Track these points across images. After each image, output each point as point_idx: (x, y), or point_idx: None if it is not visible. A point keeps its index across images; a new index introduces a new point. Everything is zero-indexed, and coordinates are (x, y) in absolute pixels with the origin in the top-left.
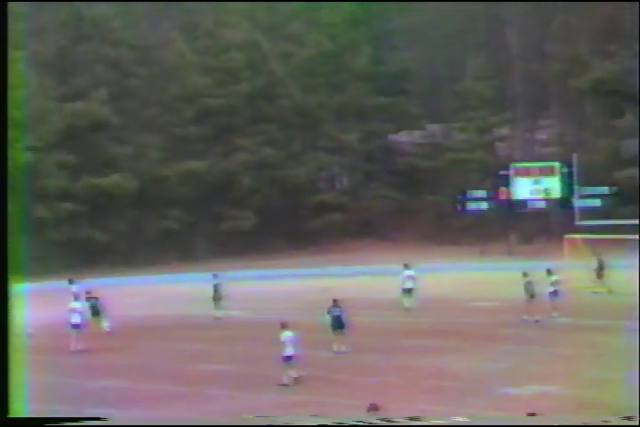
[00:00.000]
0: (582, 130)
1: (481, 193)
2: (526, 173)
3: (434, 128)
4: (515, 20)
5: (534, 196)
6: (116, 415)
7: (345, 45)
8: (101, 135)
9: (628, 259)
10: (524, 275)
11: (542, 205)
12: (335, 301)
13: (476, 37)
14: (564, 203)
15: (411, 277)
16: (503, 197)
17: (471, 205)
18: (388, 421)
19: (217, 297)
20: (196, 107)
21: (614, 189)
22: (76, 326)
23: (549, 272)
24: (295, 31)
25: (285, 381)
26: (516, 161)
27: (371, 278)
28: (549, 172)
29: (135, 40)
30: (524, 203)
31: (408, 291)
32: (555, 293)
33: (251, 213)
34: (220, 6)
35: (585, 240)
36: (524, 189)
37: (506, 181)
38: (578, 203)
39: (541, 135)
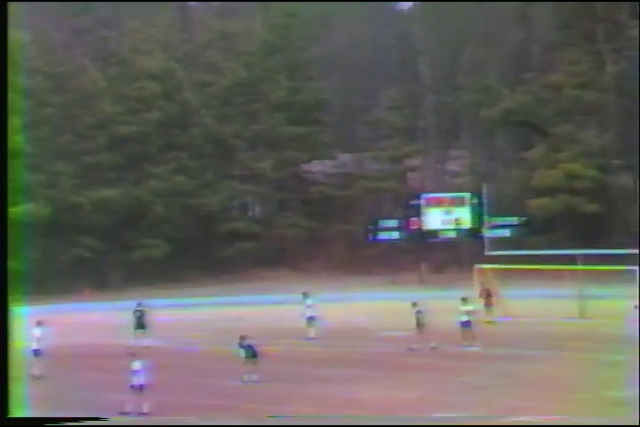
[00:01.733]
0: (493, 160)
1: (392, 223)
2: (437, 203)
3: (346, 157)
4: (426, 50)
5: (445, 226)
6: None
7: (261, 75)
8: (14, 163)
9: (540, 288)
10: (413, 305)
11: (453, 234)
12: (243, 337)
13: (388, 68)
14: (475, 233)
15: (310, 307)
16: (414, 226)
17: (383, 235)
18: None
19: (140, 325)
20: (108, 134)
21: (524, 219)
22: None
23: (465, 301)
24: (211, 60)
25: (139, 409)
26: (428, 191)
27: (282, 307)
28: (460, 202)
29: (50, 68)
30: (435, 233)
31: (310, 320)
32: (467, 322)
33: (162, 242)
34: (135, 34)
35: (494, 270)
36: (435, 218)
37: (417, 211)
38: (488, 233)
39: (452, 166)
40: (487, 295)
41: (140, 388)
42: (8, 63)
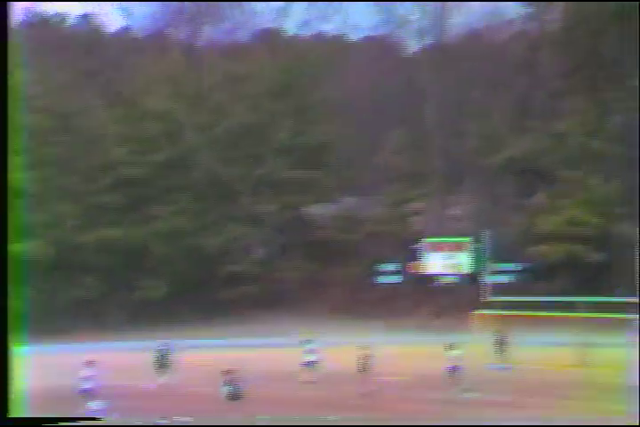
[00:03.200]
0: (495, 206)
1: (393, 266)
2: (438, 247)
3: (349, 201)
4: (432, 95)
5: (446, 270)
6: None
7: (266, 117)
8: (16, 202)
9: (540, 336)
10: (361, 348)
11: (453, 279)
12: (228, 372)
13: (394, 111)
14: (475, 278)
15: (311, 351)
16: (415, 270)
17: (383, 279)
18: None
19: (163, 364)
20: (112, 175)
21: (525, 265)
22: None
23: (450, 347)
24: (217, 101)
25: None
26: (429, 235)
27: (281, 350)
28: (461, 247)
29: (55, 107)
30: (435, 277)
31: (310, 364)
32: (454, 368)
33: (162, 283)
34: (143, 74)
35: (493, 316)
36: (435, 263)
37: (418, 255)
38: (488, 279)
39: (455, 210)
40: (501, 342)
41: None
42: (8, 63)
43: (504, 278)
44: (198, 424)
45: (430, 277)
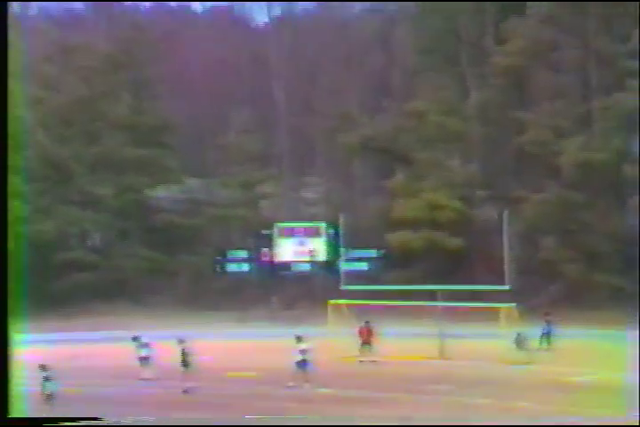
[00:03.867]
0: (350, 189)
1: (242, 254)
2: (291, 233)
3: (194, 183)
4: (281, 74)
5: (299, 258)
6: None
7: (102, 92)
8: None
9: (397, 327)
10: (180, 342)
11: (307, 267)
12: (43, 367)
13: (241, 88)
14: (330, 266)
15: (144, 346)
16: (266, 258)
17: (232, 267)
18: None
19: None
20: None
21: (382, 252)
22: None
23: (299, 339)
24: (49, 74)
25: None
26: (281, 220)
27: (120, 345)
28: (315, 232)
29: None
30: (287, 265)
31: (144, 360)
32: (303, 362)
33: None
34: None
35: (349, 306)
36: (288, 250)
37: (269, 242)
38: (344, 266)
39: (308, 193)
40: (367, 333)
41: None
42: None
43: (361, 266)
44: (201, 425)
45: (282, 265)
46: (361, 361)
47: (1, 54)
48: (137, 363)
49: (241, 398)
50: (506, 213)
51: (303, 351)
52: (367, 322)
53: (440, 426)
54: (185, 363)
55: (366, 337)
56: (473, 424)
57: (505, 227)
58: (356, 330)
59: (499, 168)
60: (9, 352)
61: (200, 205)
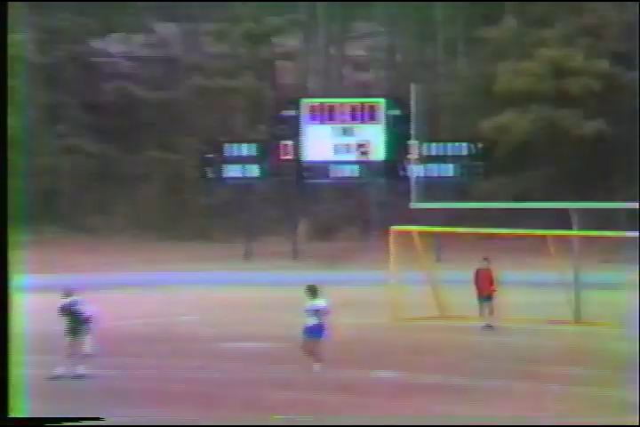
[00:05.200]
0: (428, 44)
1: (248, 149)
2: (328, 115)
3: (166, 30)
4: None
5: (341, 156)
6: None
7: None
8: None
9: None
10: (66, 294)
11: (355, 172)
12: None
13: None
14: (392, 170)
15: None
16: (287, 156)
17: (231, 171)
18: None
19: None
20: None
21: (478, 146)
22: None
23: (312, 292)
24: None
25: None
26: (311, 95)
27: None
28: (368, 115)
29: None
30: (322, 168)
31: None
32: (317, 329)
33: None
34: None
35: (425, 234)
36: (323, 143)
37: (293, 130)
38: (416, 170)
39: (357, 50)
40: (488, 280)
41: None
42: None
43: (444, 170)
44: (201, 424)
45: (314, 168)
46: (486, 326)
47: (1, 54)
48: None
49: (244, 387)
50: None
51: (317, 312)
52: (487, 260)
53: (440, 426)
54: (74, 329)
55: (486, 286)
56: (473, 424)
57: None
58: (472, 274)
59: None
60: (8, 350)
61: (178, 68)
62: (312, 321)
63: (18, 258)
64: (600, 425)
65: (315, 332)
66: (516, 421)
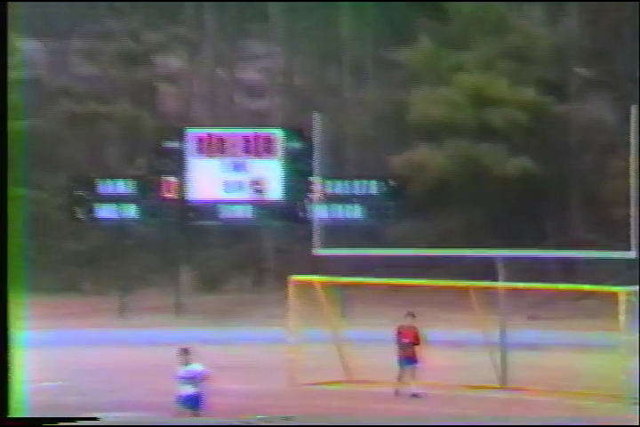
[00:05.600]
0: (333, 64)
1: (125, 186)
2: (218, 148)
3: (30, 43)
4: None
5: (232, 194)
6: None
7: None
8: None
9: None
10: None
11: (247, 212)
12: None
13: None
14: (292, 211)
15: None
16: (169, 194)
17: (105, 211)
18: None
19: None
20: None
21: (389, 183)
22: None
23: (187, 356)
24: None
25: None
26: (198, 123)
27: None
28: (264, 147)
29: None
30: (211, 208)
31: None
32: (191, 399)
33: None
34: None
35: (328, 285)
36: (211, 179)
37: (176, 164)
38: (318, 212)
39: (249, 71)
40: (413, 338)
41: None
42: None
43: (350, 211)
44: (201, 424)
45: (201, 208)
46: (398, 392)
47: (1, 54)
48: None
49: None
50: (636, 112)
51: (193, 379)
52: (411, 315)
53: (444, 426)
54: None
55: (409, 348)
56: (472, 424)
57: (633, 139)
58: (395, 331)
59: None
60: (8, 352)
61: (43, 92)
62: (187, 390)
63: None
64: (600, 425)
65: (191, 402)
66: (518, 421)
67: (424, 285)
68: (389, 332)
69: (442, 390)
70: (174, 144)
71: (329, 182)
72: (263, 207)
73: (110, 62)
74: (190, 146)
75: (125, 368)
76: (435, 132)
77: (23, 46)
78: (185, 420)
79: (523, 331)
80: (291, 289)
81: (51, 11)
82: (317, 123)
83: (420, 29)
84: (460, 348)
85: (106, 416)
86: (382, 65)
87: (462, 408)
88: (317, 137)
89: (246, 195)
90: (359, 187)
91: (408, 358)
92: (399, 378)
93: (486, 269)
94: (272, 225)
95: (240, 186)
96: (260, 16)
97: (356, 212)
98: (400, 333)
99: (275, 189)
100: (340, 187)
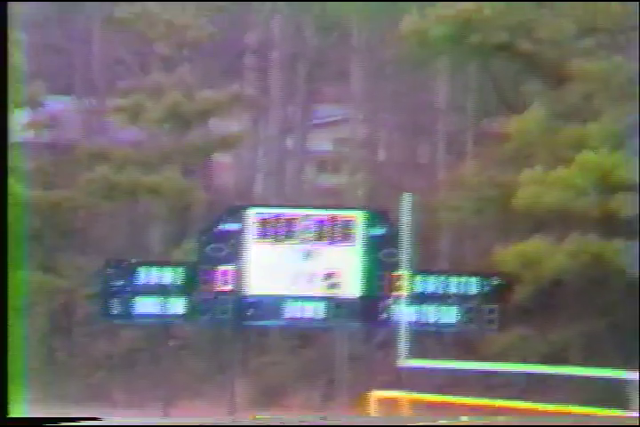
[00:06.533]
0: (424, 139)
1: (169, 274)
2: (284, 231)
3: (54, 103)
4: None
5: (300, 288)
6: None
7: None
8: None
9: None
10: None
11: (320, 311)
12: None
13: None
14: (372, 309)
15: None
16: (223, 286)
17: (141, 304)
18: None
19: None
20: None
21: (493, 281)
22: None
23: None
24: None
25: None
26: (259, 201)
27: None
28: (339, 232)
29: None
30: (273, 304)
31: None
32: None
33: None
34: None
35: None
36: (275, 269)
37: (233, 249)
38: (405, 312)
39: (322, 142)
40: None
41: None
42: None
43: (445, 314)
44: (200, 424)
45: (261, 304)
46: None
47: (1, 54)
48: None
49: None
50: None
51: None
52: None
53: (439, 426)
54: None
55: None
56: (471, 424)
57: None
58: None
59: None
60: (7, 350)
61: (74, 158)
62: None
63: None
64: (600, 425)
65: None
66: (518, 420)
67: (533, 409)
68: None
69: None
70: (232, 225)
71: (418, 277)
72: (337, 305)
73: (157, 123)
74: (251, 228)
75: None
76: (548, 222)
77: (52, 103)
78: (185, 420)
79: None
80: (372, 407)
81: (85, 61)
82: (405, 205)
83: (531, 95)
84: None
85: (106, 416)
86: (485, 139)
87: None
88: (405, 222)
89: (317, 289)
90: (455, 284)
91: None
92: None
93: (614, 395)
94: (347, 327)
95: (310, 278)
96: (339, 76)
97: (450, 315)
98: None
99: (352, 284)
100: (431, 283)
